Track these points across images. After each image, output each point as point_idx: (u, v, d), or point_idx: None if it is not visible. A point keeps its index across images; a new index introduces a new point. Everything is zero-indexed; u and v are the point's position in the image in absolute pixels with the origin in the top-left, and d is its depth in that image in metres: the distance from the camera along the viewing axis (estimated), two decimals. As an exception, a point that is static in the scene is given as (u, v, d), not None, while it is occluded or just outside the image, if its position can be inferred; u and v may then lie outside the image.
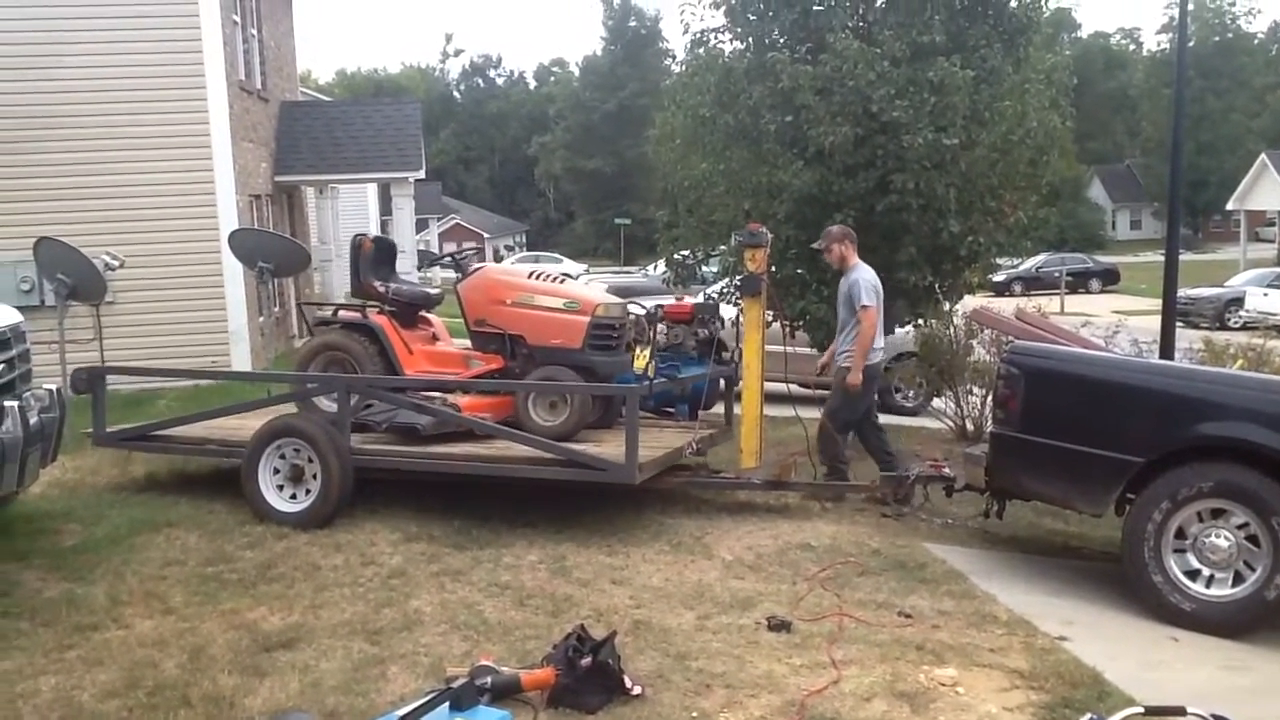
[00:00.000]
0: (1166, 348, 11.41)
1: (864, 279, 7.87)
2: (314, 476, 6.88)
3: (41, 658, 4.77)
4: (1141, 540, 5.88)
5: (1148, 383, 6.28)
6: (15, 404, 5.57)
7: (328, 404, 7.52)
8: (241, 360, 13.69)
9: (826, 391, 11.51)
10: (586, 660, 4.39)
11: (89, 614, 5.28)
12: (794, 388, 9.48)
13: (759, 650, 5.03)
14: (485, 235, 66.31)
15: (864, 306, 7.77)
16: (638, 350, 7.97)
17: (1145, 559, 5.88)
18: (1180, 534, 5.87)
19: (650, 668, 4.75)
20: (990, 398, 10.66)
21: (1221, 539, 5.76)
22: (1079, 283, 41.70)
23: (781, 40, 9.38)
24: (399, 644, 4.95)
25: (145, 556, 6.23)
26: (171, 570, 6.01)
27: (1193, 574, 5.84)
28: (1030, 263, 38.07)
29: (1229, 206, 45.72)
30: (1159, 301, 12.77)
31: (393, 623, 5.22)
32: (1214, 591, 5.78)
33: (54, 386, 6.40)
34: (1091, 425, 6.11)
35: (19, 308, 12.91)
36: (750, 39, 9.56)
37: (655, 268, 21.91)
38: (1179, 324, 12.53)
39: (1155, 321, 13.34)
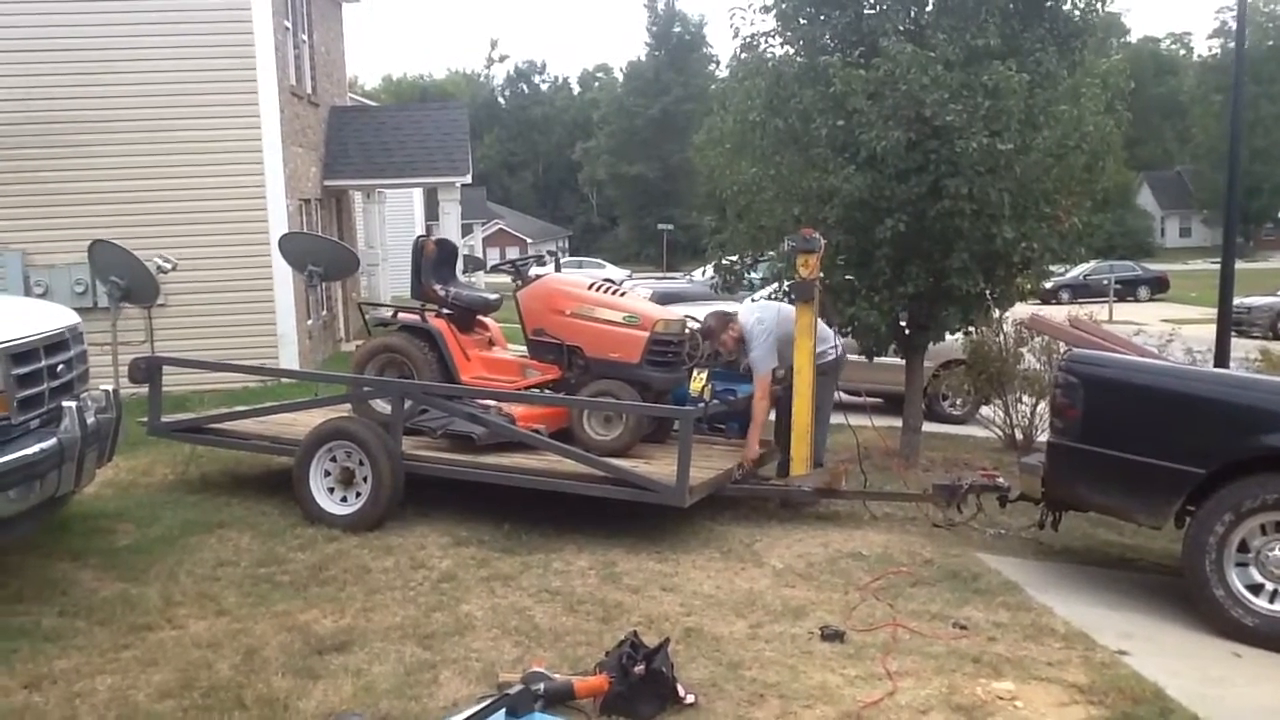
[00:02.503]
0: (1222, 357, 11.21)
1: (757, 350, 7.78)
2: (364, 480, 6.90)
3: (98, 657, 4.80)
4: (1203, 553, 5.76)
5: (1210, 392, 6.14)
6: (74, 404, 5.62)
7: (383, 407, 7.54)
8: (289, 363, 13.82)
9: (876, 400, 11.49)
10: (640, 668, 4.35)
11: (143, 614, 5.31)
12: (843, 395, 9.42)
13: (812, 660, 4.97)
14: (529, 240, 66.51)
15: (760, 376, 7.76)
16: (695, 373, 7.92)
17: (1207, 572, 5.75)
18: (1243, 547, 5.74)
19: (703, 676, 4.71)
20: (1040, 406, 10.60)
21: (1286, 553, 5.62)
22: (1127, 291, 41.18)
23: (833, 44, 9.27)
24: (450, 648, 4.94)
25: (198, 557, 6.27)
26: (224, 571, 6.05)
27: (1256, 588, 5.71)
28: (1078, 270, 37.62)
29: (1282, 213, 44.95)
30: (1210, 310, 12.59)
31: (444, 627, 5.21)
32: (1278, 606, 5.64)
33: (110, 387, 6.45)
34: (1152, 435, 5.99)
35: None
36: (801, 42, 9.46)
37: (703, 273, 21.81)
38: (1232, 333, 12.29)
39: (1207, 330, 13.12)
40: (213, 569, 6.07)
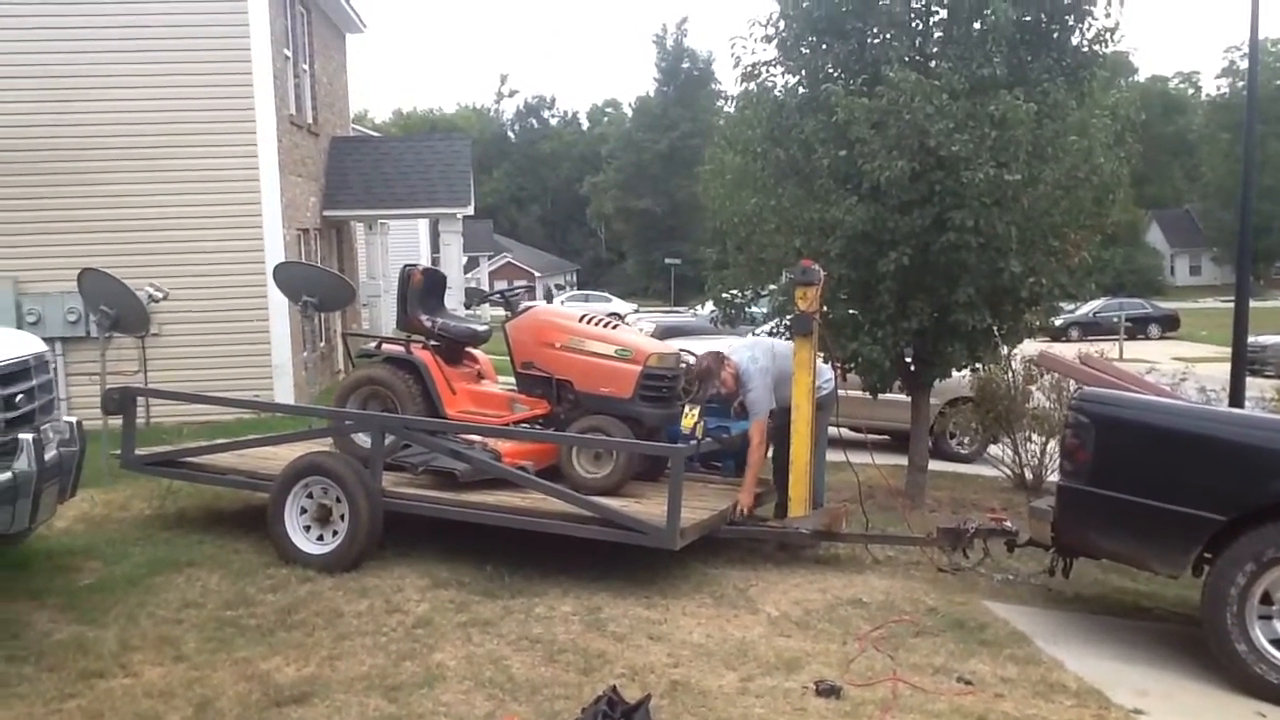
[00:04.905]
0: (1237, 396, 10.91)
1: (753, 391, 7.47)
2: (341, 518, 6.60)
3: (41, 707, 4.50)
4: (1224, 605, 5.43)
5: (1230, 434, 5.82)
6: (30, 437, 5.34)
7: (365, 441, 7.25)
8: (284, 395, 13.56)
9: (882, 438, 11.21)
10: (617, 728, 4.05)
11: (96, 659, 5.01)
12: (844, 431, 9.12)
13: (806, 719, 4.65)
14: (536, 274, 66.53)
15: (756, 419, 7.45)
16: (687, 409, 7.61)
17: (1228, 626, 5.42)
18: (1266, 599, 5.42)
19: (687, 735, 4.40)
20: (1049, 446, 10.30)
21: (1312, 606, 5.30)
22: (1138, 329, 40.81)
23: (836, 73, 9.05)
24: (418, 702, 4.63)
25: (163, 598, 5.97)
26: (188, 613, 5.75)
27: (1280, 643, 5.38)
28: (1088, 307, 37.36)
29: (1293, 253, 44.64)
30: (1222, 348, 12.33)
31: (413, 678, 4.90)
32: (1304, 663, 5.31)
33: (74, 419, 6.18)
34: (1168, 479, 5.68)
35: (65, 339, 13.08)
36: (803, 71, 9.24)
37: (705, 307, 21.59)
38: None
39: (1219, 369, 12.82)
40: (176, 611, 5.77)
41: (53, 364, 6.23)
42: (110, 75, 13.19)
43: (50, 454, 5.52)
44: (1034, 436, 10.70)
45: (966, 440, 12.81)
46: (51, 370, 6.05)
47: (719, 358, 7.66)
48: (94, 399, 9.74)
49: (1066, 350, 11.58)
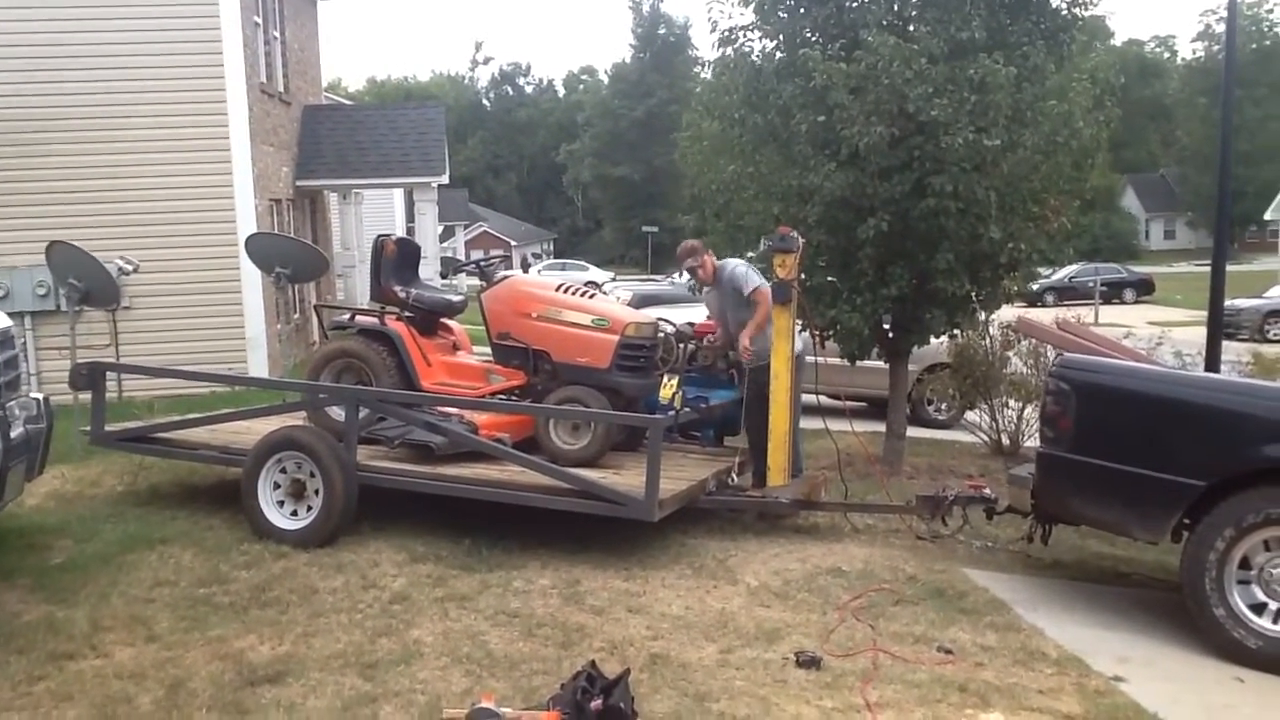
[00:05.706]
0: (1213, 360, 10.93)
1: (741, 267, 7.81)
2: (316, 492, 6.52)
3: (9, 690, 4.41)
4: (1202, 571, 5.43)
5: (1210, 400, 5.79)
6: (-6, 415, 5.24)
7: (339, 414, 7.16)
8: (259, 368, 13.42)
9: (859, 404, 11.19)
10: (596, 703, 3.99)
11: (67, 640, 4.93)
12: (823, 399, 9.09)
13: (786, 691, 4.62)
14: (513, 243, 66.11)
15: (757, 287, 7.57)
16: (665, 379, 7.58)
17: (1206, 591, 5.42)
18: (1245, 564, 5.41)
19: (667, 709, 4.35)
20: (1026, 411, 10.30)
21: (1291, 570, 5.29)
22: (1113, 293, 40.91)
23: (814, 37, 8.96)
24: (394, 679, 4.57)
25: (135, 576, 5.88)
26: (160, 592, 5.66)
27: (1259, 608, 5.38)
28: (1063, 273, 37.50)
29: (1267, 216, 44.79)
30: (1195, 312, 12.33)
31: (390, 655, 4.84)
32: (1282, 627, 5.32)
33: (42, 395, 6.07)
34: (1148, 446, 5.65)
35: (34, 313, 12.86)
36: (781, 36, 9.13)
37: (681, 275, 21.48)
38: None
39: (1194, 333, 12.84)
40: (148, 589, 5.68)
41: (20, 340, 6.11)
42: (77, 44, 12.92)
43: (17, 431, 5.43)
44: (1011, 402, 10.70)
45: (944, 406, 12.80)
46: (18, 346, 5.93)
47: (703, 248, 7.97)
48: (65, 374, 9.60)
49: (1043, 315, 11.58)
